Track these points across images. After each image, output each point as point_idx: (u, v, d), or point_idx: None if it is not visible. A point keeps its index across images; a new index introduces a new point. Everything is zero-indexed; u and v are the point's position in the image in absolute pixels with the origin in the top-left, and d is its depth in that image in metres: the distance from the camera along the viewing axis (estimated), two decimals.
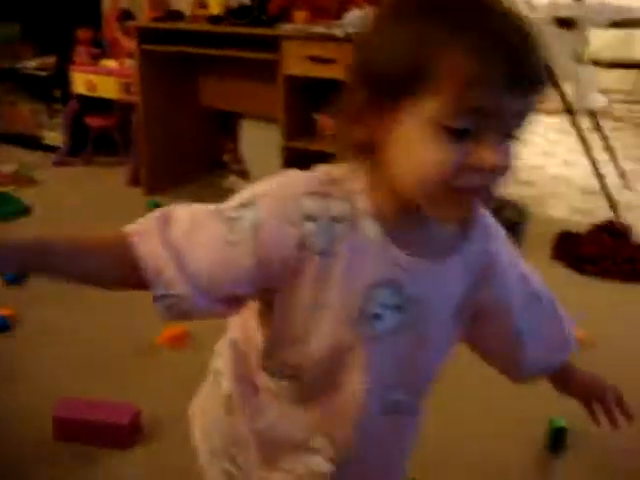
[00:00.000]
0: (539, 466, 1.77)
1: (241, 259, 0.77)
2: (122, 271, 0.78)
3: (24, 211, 3.32)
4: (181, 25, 3.37)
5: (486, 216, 0.88)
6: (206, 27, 3.26)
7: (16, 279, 2.59)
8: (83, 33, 4.00)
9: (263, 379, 0.91)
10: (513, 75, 0.67)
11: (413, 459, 1.01)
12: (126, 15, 3.92)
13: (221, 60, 3.40)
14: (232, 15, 3.23)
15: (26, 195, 3.54)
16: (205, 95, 3.76)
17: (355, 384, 0.85)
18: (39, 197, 3.53)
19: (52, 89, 4.24)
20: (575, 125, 3.41)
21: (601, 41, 5.12)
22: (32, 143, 4.41)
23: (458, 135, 0.69)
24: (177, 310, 0.78)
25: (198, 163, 3.89)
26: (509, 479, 1.71)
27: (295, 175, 0.81)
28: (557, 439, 1.77)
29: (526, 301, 0.92)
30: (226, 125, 3.90)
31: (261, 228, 0.76)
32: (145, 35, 3.37)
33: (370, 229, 0.78)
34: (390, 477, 1.00)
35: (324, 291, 0.79)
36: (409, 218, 0.79)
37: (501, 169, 0.71)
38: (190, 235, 0.78)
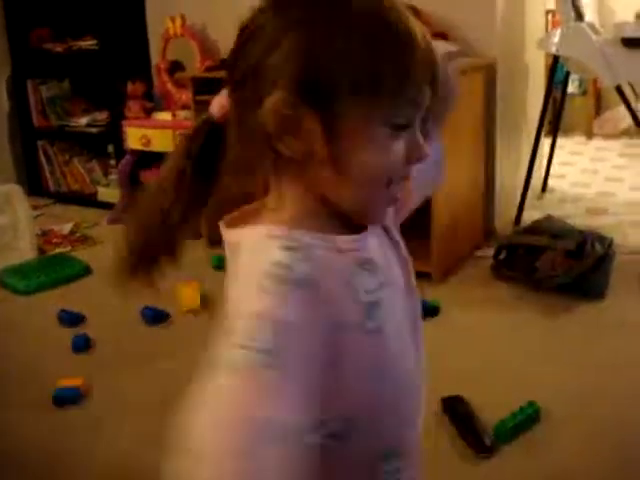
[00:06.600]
0: None
1: None
2: None
3: (85, 271, 3.24)
4: None
5: None
6: None
7: (84, 346, 2.49)
8: (134, 87, 3.95)
9: None
10: (432, 71, 0.73)
11: None
12: (176, 66, 3.87)
13: None
14: None
15: (84, 255, 3.46)
16: None
17: None
18: (98, 256, 3.44)
19: (105, 145, 4.20)
20: None
21: None
22: (87, 201, 4.36)
23: (399, 130, 0.72)
24: None
25: None
26: None
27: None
28: None
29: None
30: None
31: None
32: (199, 85, 3.30)
33: None
34: None
35: None
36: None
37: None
38: None
